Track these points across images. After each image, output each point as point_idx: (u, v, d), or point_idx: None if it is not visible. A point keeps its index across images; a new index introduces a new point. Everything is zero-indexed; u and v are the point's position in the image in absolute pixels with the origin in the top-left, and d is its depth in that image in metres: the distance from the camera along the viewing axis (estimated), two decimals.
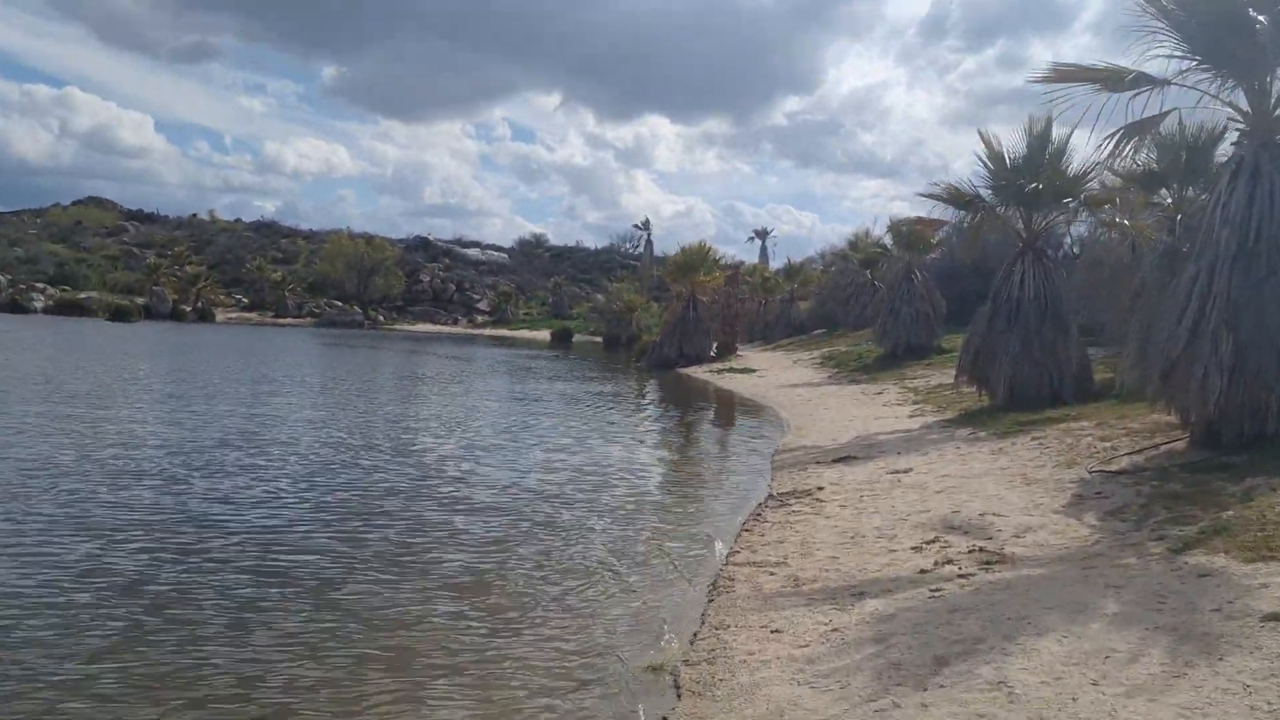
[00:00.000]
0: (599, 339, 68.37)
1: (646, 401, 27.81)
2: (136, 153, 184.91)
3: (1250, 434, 9.88)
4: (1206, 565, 6.29)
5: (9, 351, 31.61)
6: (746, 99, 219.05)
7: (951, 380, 21.00)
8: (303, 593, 7.55)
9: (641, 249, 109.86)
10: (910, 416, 19.33)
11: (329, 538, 9.32)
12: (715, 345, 43.90)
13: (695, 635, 6.55)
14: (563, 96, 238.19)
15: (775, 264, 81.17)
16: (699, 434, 20.59)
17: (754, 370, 36.59)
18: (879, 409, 21.70)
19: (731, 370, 37.22)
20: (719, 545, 9.32)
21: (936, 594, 6.68)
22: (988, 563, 7.44)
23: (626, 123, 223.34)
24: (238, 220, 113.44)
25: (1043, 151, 18.65)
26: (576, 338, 75.64)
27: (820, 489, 11.68)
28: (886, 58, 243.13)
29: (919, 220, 23.43)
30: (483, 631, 6.79)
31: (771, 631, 6.29)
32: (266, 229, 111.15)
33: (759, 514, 10.60)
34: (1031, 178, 18.41)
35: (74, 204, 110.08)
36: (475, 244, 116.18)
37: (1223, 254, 10.05)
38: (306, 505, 10.74)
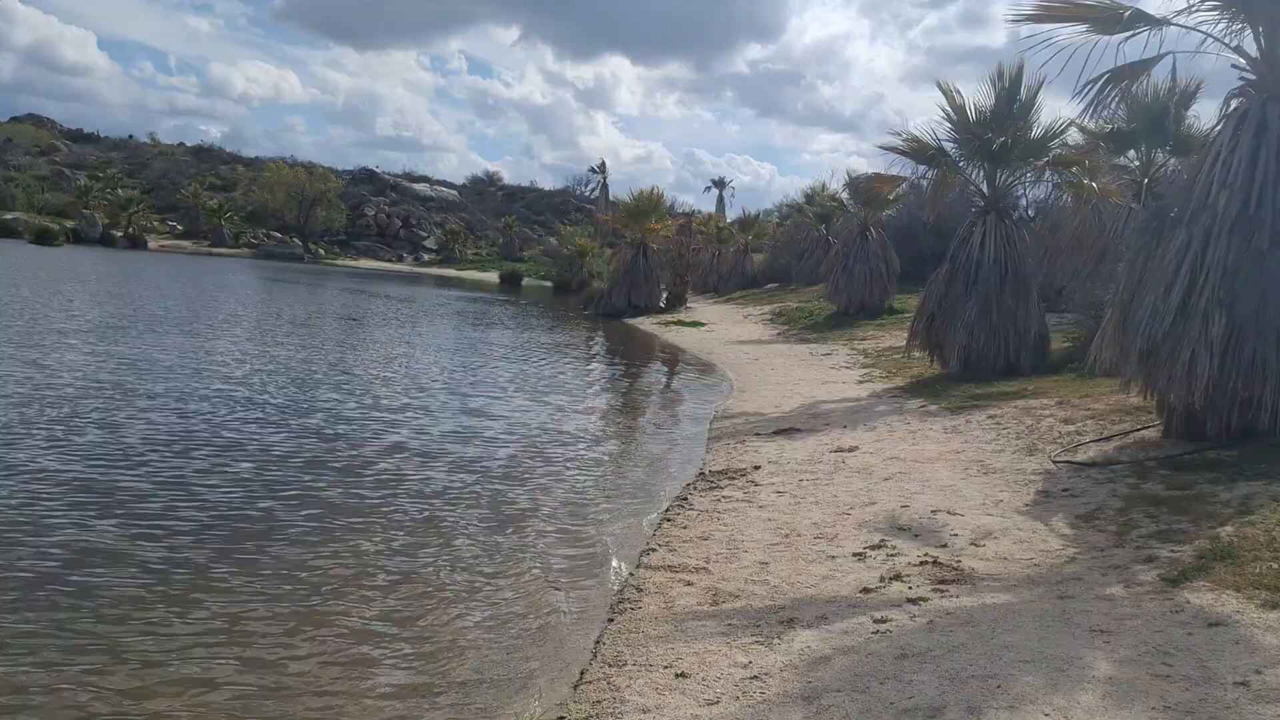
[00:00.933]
0: (549, 284, 66.67)
1: (586, 355, 26.37)
2: (79, 70, 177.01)
3: (1237, 428, 8.79)
4: (1215, 609, 5.10)
5: None
6: (709, 44, 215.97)
7: (902, 343, 19.91)
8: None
9: (597, 193, 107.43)
10: (859, 383, 18.19)
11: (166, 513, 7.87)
12: (665, 295, 42.56)
13: (583, 674, 5.24)
14: (521, 30, 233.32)
15: (732, 214, 79.77)
16: (635, 395, 19.24)
17: (703, 324, 35.31)
18: (827, 372, 20.56)
19: (680, 323, 35.93)
20: (634, 539, 8.03)
21: (882, 626, 5.44)
22: (943, 582, 6.22)
23: (587, 61, 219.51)
24: (180, 144, 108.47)
25: (1011, 105, 17.39)
26: (526, 281, 73.78)
27: (757, 468, 10.42)
28: (850, 7, 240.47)
29: (877, 177, 22.07)
30: (299, 649, 5.45)
31: (676, 675, 5.00)
32: (206, 154, 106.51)
33: (685, 498, 9.30)
34: (998, 132, 17.12)
35: (10, 120, 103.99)
36: (424, 179, 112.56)
37: (1219, 220, 8.84)
38: (171, 468, 9.25)
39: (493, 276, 76.76)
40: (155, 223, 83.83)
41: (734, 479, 9.99)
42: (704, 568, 6.95)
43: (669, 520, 8.46)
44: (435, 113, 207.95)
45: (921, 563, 6.66)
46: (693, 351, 26.95)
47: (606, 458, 11.75)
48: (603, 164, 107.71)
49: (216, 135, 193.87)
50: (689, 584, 6.61)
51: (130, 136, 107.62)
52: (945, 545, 7.11)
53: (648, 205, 40.59)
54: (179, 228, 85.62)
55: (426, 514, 8.47)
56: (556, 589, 6.82)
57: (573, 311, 43.22)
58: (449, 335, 27.57)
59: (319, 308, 34.47)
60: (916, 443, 11.41)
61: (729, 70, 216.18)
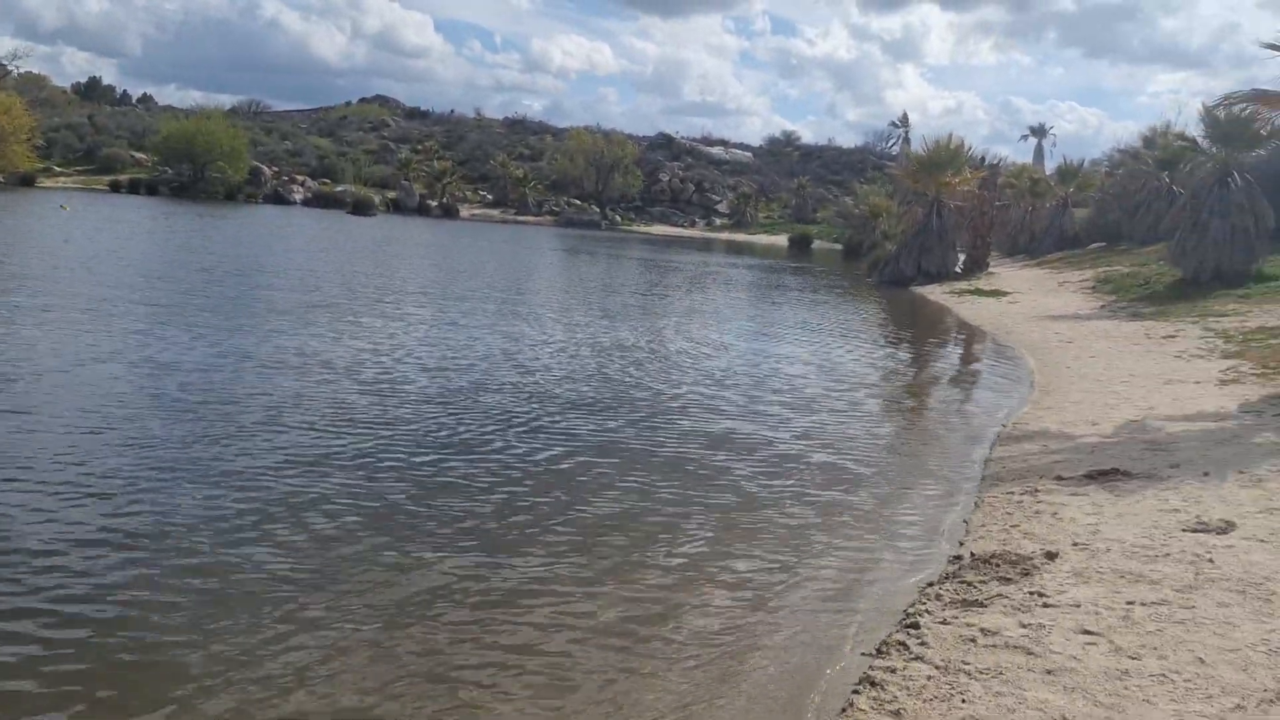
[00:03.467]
0: (839, 247, 62.47)
1: (849, 339, 21.25)
2: (418, 52, 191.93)
3: None
4: None
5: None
6: None
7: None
8: None
9: (897, 148, 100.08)
10: (1221, 383, 13.10)
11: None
12: (963, 259, 37.19)
13: None
14: None
15: (1052, 166, 70.88)
16: (891, 398, 14.28)
17: (1005, 293, 29.97)
18: (1170, 363, 15.40)
19: (978, 292, 30.82)
20: None
21: None
22: None
23: (893, 11, 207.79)
24: (505, 119, 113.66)
25: None
26: (816, 244, 69.94)
27: (1051, 558, 6.38)
28: None
29: (1261, 97, 16.14)
30: None
31: None
32: (518, 126, 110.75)
33: (916, 622, 5.52)
34: None
35: (360, 101, 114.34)
36: (721, 142, 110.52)
37: None
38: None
39: (783, 240, 73.31)
40: (467, 192, 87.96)
41: (1009, 580, 6.04)
42: None
43: (873, 682, 4.78)
44: (739, 76, 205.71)
45: None
46: (987, 330, 22.20)
47: (808, 517, 7.90)
48: (904, 116, 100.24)
49: (538, 109, 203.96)
50: None
51: (453, 111, 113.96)
52: None
53: (944, 156, 35.27)
54: (489, 197, 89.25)
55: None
56: None
57: (856, 279, 38.81)
58: (697, 315, 24.48)
59: (618, 280, 32.49)
60: None
61: (1052, 8, 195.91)
